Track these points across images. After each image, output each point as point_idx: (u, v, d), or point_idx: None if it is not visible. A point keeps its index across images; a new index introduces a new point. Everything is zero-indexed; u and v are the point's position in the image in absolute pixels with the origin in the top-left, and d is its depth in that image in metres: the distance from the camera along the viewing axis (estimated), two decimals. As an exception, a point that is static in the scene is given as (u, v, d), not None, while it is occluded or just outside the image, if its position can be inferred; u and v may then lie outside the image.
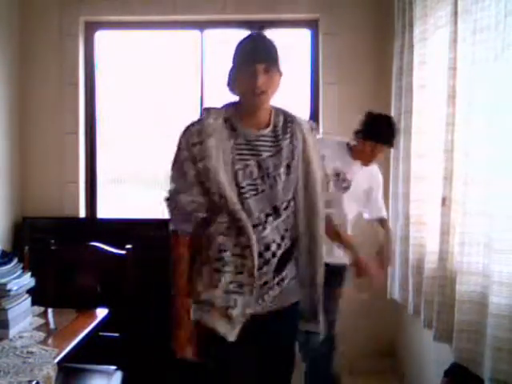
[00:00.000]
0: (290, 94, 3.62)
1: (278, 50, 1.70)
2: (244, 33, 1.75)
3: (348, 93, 3.45)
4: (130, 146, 3.75)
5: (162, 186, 3.68)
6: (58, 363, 1.80)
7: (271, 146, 1.72)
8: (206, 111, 1.80)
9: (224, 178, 1.64)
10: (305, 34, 3.60)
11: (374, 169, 2.76)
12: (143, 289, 2.97)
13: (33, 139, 3.54)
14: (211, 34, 3.61)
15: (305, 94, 3.61)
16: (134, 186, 3.75)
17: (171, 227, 1.76)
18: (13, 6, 3.43)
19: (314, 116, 3.58)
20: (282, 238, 1.72)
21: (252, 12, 3.49)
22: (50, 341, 2.00)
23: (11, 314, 1.99)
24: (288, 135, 1.75)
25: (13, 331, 1.99)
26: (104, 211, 3.69)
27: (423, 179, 2.59)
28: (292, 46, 3.66)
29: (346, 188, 2.68)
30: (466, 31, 2.07)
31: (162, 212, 3.75)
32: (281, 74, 1.70)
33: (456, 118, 2.22)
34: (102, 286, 2.60)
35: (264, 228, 1.68)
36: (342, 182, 2.69)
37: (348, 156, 2.71)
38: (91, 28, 3.61)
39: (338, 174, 2.67)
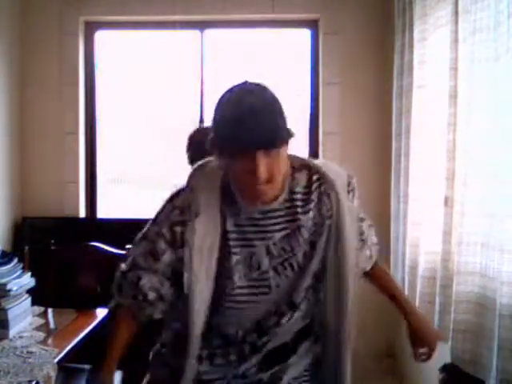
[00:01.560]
0: (290, 94, 3.64)
1: (282, 108, 1.20)
2: (230, 87, 1.24)
3: (348, 93, 3.45)
4: (130, 146, 3.75)
5: (162, 186, 3.71)
6: (58, 363, 1.80)
7: (287, 222, 1.25)
8: (200, 170, 1.31)
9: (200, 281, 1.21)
10: (305, 33, 3.60)
11: None
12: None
13: (33, 139, 3.53)
14: (211, 33, 3.61)
15: (305, 95, 3.61)
16: (134, 186, 3.75)
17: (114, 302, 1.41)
18: (13, 5, 3.43)
19: (314, 116, 3.58)
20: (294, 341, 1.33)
21: (252, 12, 3.49)
22: (49, 341, 2.00)
23: (11, 314, 1.99)
24: (313, 202, 1.26)
25: (13, 331, 2.00)
26: (104, 211, 3.69)
27: (423, 179, 2.59)
28: (292, 46, 3.67)
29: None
30: (467, 31, 2.06)
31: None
32: (289, 141, 1.23)
33: (457, 117, 2.22)
34: (102, 286, 2.60)
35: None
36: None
37: None
38: (91, 28, 3.61)
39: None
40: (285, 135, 1.20)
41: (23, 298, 2.09)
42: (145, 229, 1.42)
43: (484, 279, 1.89)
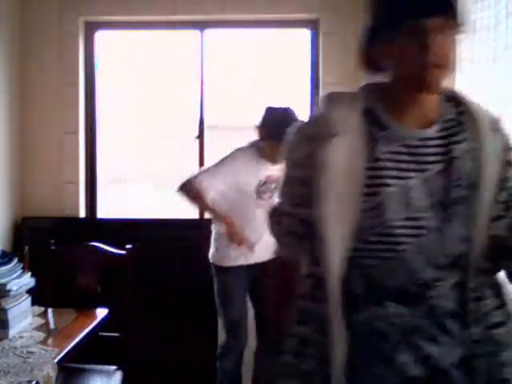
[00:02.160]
0: (290, 94, 3.64)
1: None
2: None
3: (348, 93, 3.44)
4: (130, 146, 3.75)
5: (162, 185, 3.72)
6: (58, 363, 1.80)
7: (441, 155, 1.10)
8: (328, 98, 1.21)
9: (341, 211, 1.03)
10: (305, 33, 3.60)
11: None
12: (143, 289, 2.97)
13: (33, 139, 3.53)
14: (211, 33, 3.61)
15: (305, 95, 3.61)
16: (133, 186, 3.76)
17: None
18: (13, 5, 3.43)
19: (314, 116, 3.58)
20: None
21: (252, 12, 3.49)
22: (49, 341, 2.00)
23: (11, 314, 1.99)
24: (464, 135, 1.11)
25: (13, 331, 2.00)
26: (104, 211, 3.69)
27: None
28: (292, 46, 3.67)
29: (276, 188, 2.63)
30: (466, 31, 2.07)
31: (161, 212, 3.75)
32: (459, 30, 1.09)
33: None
34: (102, 286, 2.60)
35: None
36: (271, 184, 2.70)
37: (262, 159, 2.72)
38: (91, 28, 3.61)
39: (264, 182, 2.71)
40: (455, 9, 1.07)
41: (23, 298, 2.09)
42: (284, 176, 1.20)
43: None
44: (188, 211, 3.63)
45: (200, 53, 3.58)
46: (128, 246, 2.63)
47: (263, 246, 2.65)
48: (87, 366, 2.48)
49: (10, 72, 3.38)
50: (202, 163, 3.61)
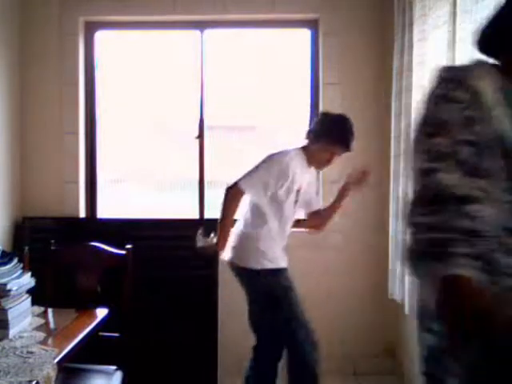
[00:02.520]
0: (290, 94, 3.64)
1: None
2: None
3: (348, 93, 3.45)
4: (130, 146, 3.75)
5: (162, 185, 3.72)
6: (58, 363, 1.80)
7: None
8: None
9: None
10: (305, 33, 3.60)
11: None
12: (143, 289, 2.97)
13: (33, 139, 3.54)
14: (211, 34, 3.61)
15: (305, 95, 3.61)
16: (133, 186, 3.76)
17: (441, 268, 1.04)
18: (13, 6, 3.43)
19: (314, 117, 3.58)
20: None
21: (252, 12, 3.49)
22: (49, 341, 1.99)
23: (11, 314, 1.99)
24: None
25: (13, 331, 2.00)
26: (104, 211, 3.69)
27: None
28: (292, 46, 3.67)
29: (297, 201, 2.68)
30: (465, 31, 2.07)
31: (161, 212, 3.76)
32: None
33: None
34: (102, 286, 2.60)
35: None
36: (300, 192, 2.68)
37: (306, 164, 2.68)
38: (91, 28, 3.61)
39: (298, 190, 2.66)
40: None
41: (23, 298, 2.09)
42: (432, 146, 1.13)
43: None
44: (188, 211, 3.64)
45: (200, 53, 3.58)
46: (128, 246, 2.63)
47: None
48: (87, 366, 2.48)
49: (10, 72, 3.38)
50: (202, 163, 3.61)
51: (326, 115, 2.70)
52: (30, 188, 3.53)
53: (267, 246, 2.60)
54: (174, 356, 3.25)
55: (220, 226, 2.61)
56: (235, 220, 2.68)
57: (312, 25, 3.57)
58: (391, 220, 3.04)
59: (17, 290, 2.03)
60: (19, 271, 2.09)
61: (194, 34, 3.60)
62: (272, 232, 2.62)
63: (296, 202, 2.67)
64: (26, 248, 2.46)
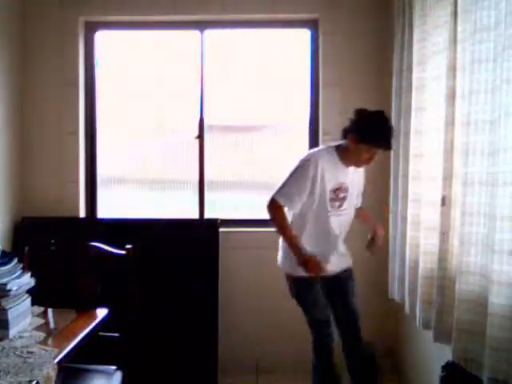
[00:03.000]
0: (290, 94, 3.64)
1: None
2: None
3: (348, 93, 3.45)
4: (130, 146, 3.75)
5: (162, 185, 3.71)
6: (58, 363, 1.80)
7: None
8: None
9: None
10: (305, 33, 3.60)
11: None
12: (143, 289, 2.97)
13: (33, 139, 3.54)
14: (211, 34, 3.61)
15: (305, 95, 3.61)
16: (133, 186, 3.76)
17: None
18: (13, 6, 3.43)
19: (314, 117, 3.58)
20: None
21: (252, 12, 3.49)
22: (49, 341, 2.00)
23: (11, 314, 1.99)
24: None
25: (13, 331, 2.00)
26: (104, 211, 3.69)
27: (422, 179, 2.59)
28: (292, 46, 3.67)
29: (344, 198, 2.61)
30: (466, 31, 2.07)
31: (161, 212, 3.74)
32: None
33: (455, 117, 2.22)
34: (102, 286, 2.60)
35: None
36: (342, 192, 2.60)
37: (341, 163, 2.59)
38: (91, 28, 3.61)
39: (336, 189, 2.58)
40: None
41: (23, 298, 2.09)
42: None
43: (484, 279, 1.90)
44: (188, 211, 3.64)
45: (200, 53, 3.58)
46: (128, 246, 2.63)
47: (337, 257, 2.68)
48: (87, 366, 2.48)
49: (10, 72, 3.38)
50: (202, 163, 3.61)
51: (363, 113, 2.52)
52: (30, 188, 3.53)
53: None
54: (173, 356, 3.25)
55: (285, 240, 2.60)
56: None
57: (312, 25, 3.57)
58: (391, 220, 3.04)
59: (17, 289, 2.03)
60: (19, 271, 2.09)
61: (194, 34, 3.60)
62: (308, 236, 2.60)
63: (334, 200, 2.57)
64: (26, 248, 2.46)
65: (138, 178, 3.74)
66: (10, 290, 1.99)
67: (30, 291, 2.14)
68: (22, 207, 3.50)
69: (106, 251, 2.67)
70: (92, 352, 2.22)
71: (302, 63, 3.61)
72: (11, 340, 1.95)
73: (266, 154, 3.68)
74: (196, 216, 3.61)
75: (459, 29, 2.18)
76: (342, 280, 2.74)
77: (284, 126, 3.69)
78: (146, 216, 3.58)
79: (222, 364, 3.30)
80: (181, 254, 3.31)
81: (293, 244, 2.54)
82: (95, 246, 2.70)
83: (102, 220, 3.62)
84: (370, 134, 2.45)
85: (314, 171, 2.51)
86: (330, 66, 3.48)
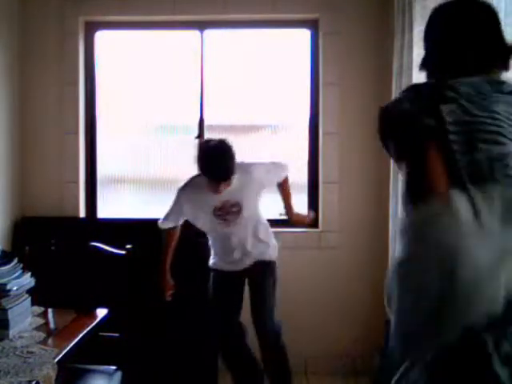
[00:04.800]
0: (290, 94, 3.64)
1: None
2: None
3: (348, 93, 3.45)
4: (130, 146, 3.75)
5: (162, 185, 3.71)
6: (58, 363, 1.80)
7: None
8: None
9: None
10: (305, 33, 3.60)
11: (243, 169, 2.78)
12: (143, 289, 2.97)
13: (33, 139, 3.54)
14: (211, 34, 3.61)
15: (305, 95, 3.61)
16: (134, 186, 3.75)
17: None
18: (13, 5, 3.43)
19: (314, 118, 3.58)
20: None
21: (252, 12, 3.49)
22: (49, 341, 2.00)
23: (11, 314, 1.99)
24: None
25: (13, 331, 1.99)
26: (104, 211, 3.69)
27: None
28: (292, 46, 3.66)
29: (239, 210, 2.79)
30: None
31: (161, 212, 3.75)
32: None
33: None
34: (102, 286, 2.60)
35: None
36: (231, 207, 2.79)
37: (206, 190, 2.75)
38: (91, 28, 3.61)
39: (220, 208, 2.78)
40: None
41: (23, 298, 2.09)
42: None
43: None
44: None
45: (200, 53, 3.58)
46: (128, 246, 2.63)
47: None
48: (87, 366, 2.48)
49: (10, 72, 3.38)
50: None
51: (200, 145, 2.83)
52: (30, 188, 3.53)
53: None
54: (174, 356, 3.25)
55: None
56: None
57: (312, 25, 3.57)
58: (391, 220, 3.04)
59: (17, 290, 2.03)
60: (19, 271, 2.09)
61: (194, 34, 3.60)
62: (212, 246, 3.00)
63: (222, 216, 2.81)
64: (26, 248, 2.46)
65: (138, 177, 3.74)
66: (9, 290, 1.99)
67: (29, 291, 2.14)
68: (21, 207, 3.50)
69: (106, 251, 2.67)
70: (92, 352, 2.22)
71: (301, 63, 3.61)
72: (11, 340, 1.95)
73: (266, 154, 3.67)
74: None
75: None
76: (253, 277, 2.91)
77: (284, 126, 3.69)
78: (145, 216, 3.57)
79: (221, 364, 3.29)
80: (181, 254, 3.31)
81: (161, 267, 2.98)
82: (95, 246, 2.70)
83: (102, 220, 3.62)
84: (200, 167, 2.68)
85: (180, 202, 2.87)
86: (330, 66, 3.48)
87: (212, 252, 3.00)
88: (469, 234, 1.07)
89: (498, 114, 1.17)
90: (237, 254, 2.88)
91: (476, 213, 1.08)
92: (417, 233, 1.16)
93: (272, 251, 2.93)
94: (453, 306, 1.07)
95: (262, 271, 2.90)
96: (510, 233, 1.08)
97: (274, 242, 2.96)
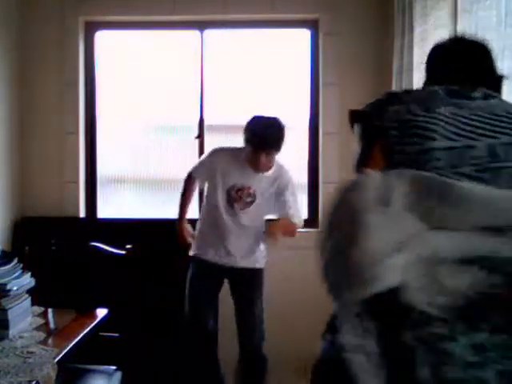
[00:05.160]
0: (290, 94, 3.64)
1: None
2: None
3: (348, 93, 3.44)
4: (131, 146, 3.75)
5: (162, 185, 3.71)
6: (58, 363, 1.80)
7: None
8: None
9: None
10: (305, 34, 3.60)
11: (281, 171, 2.80)
12: (143, 289, 2.97)
13: (33, 139, 3.54)
14: (211, 34, 3.61)
15: (305, 95, 3.61)
16: (134, 186, 3.75)
17: None
18: (13, 6, 3.43)
19: (314, 118, 3.58)
20: None
21: (252, 12, 3.49)
22: (50, 341, 1.99)
23: (11, 314, 1.99)
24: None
25: (13, 331, 1.99)
26: (104, 211, 3.69)
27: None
28: (292, 46, 3.66)
29: (252, 202, 2.75)
30: (466, 31, 2.06)
31: (161, 212, 3.74)
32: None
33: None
34: (102, 286, 2.60)
35: None
36: (246, 196, 2.75)
37: (246, 166, 2.73)
38: (91, 28, 3.61)
39: (239, 190, 2.74)
40: None
41: (23, 298, 2.09)
42: None
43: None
44: (188, 211, 3.63)
45: (200, 53, 3.58)
46: (128, 246, 2.63)
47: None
48: (87, 366, 2.48)
49: (10, 72, 3.38)
50: (201, 163, 3.61)
51: (253, 117, 2.76)
52: (30, 188, 3.53)
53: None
54: (174, 356, 3.25)
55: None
56: None
57: (312, 25, 3.57)
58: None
59: (17, 290, 2.03)
60: (19, 271, 2.09)
61: (194, 33, 3.60)
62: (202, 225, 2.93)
63: (234, 201, 2.76)
64: (26, 248, 2.46)
65: (138, 177, 3.74)
66: (9, 290, 1.99)
67: (29, 291, 2.14)
68: (21, 207, 3.50)
69: (106, 251, 2.67)
70: (92, 352, 2.22)
71: (301, 63, 3.61)
72: (11, 340, 1.95)
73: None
74: (196, 216, 3.60)
75: (459, 29, 2.18)
76: (241, 285, 2.89)
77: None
78: (145, 216, 3.57)
79: (221, 364, 3.29)
80: (180, 254, 3.31)
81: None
82: (95, 246, 2.70)
83: (102, 220, 3.62)
84: (249, 134, 2.67)
85: (213, 159, 2.81)
86: (330, 66, 3.48)
87: (198, 236, 2.90)
88: (372, 211, 1.13)
89: (441, 114, 1.26)
90: (228, 244, 2.80)
91: (386, 194, 1.15)
92: (335, 200, 1.27)
93: (261, 259, 2.89)
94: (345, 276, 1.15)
95: (251, 280, 2.85)
96: (416, 219, 1.13)
97: (263, 248, 2.90)
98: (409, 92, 1.39)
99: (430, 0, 2.54)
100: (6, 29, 3.36)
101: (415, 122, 1.26)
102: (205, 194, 2.92)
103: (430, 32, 2.55)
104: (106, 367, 2.49)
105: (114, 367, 2.49)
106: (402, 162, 1.24)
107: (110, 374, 2.45)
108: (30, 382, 1.63)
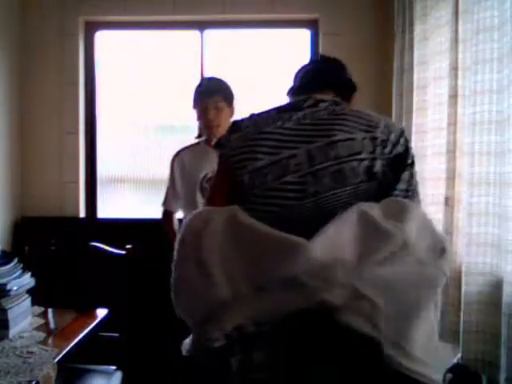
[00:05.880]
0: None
1: None
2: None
3: (348, 93, 3.44)
4: (131, 146, 3.75)
5: (162, 185, 3.71)
6: (58, 363, 1.80)
7: None
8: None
9: None
10: (305, 33, 3.60)
11: None
12: (143, 289, 2.97)
13: (33, 139, 3.53)
14: (211, 34, 3.60)
15: (305, 94, 3.60)
16: (134, 186, 3.75)
17: None
18: (13, 6, 3.43)
19: (314, 116, 3.57)
20: None
21: (252, 12, 3.49)
22: (49, 341, 1.99)
23: (11, 314, 1.99)
24: None
25: (13, 331, 1.99)
26: (104, 211, 3.68)
27: (425, 179, 2.59)
28: (292, 46, 3.66)
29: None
30: (467, 31, 2.06)
31: (161, 212, 3.74)
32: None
33: (458, 118, 2.22)
34: (102, 286, 2.60)
35: None
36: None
37: (211, 150, 2.43)
38: (91, 28, 3.61)
39: (211, 178, 2.57)
40: None
41: (23, 298, 2.09)
42: None
43: (495, 280, 1.89)
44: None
45: (200, 53, 3.58)
46: (128, 246, 2.63)
47: None
48: (87, 366, 2.48)
49: (10, 72, 3.38)
50: (202, 163, 3.60)
51: None
52: (30, 188, 3.52)
53: None
54: (174, 356, 3.25)
55: None
56: None
57: (312, 25, 3.57)
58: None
59: (17, 290, 2.03)
60: (19, 271, 2.09)
61: (194, 34, 3.60)
62: None
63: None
64: (26, 248, 2.46)
65: (138, 177, 3.74)
66: (10, 290, 1.98)
67: (29, 291, 2.14)
68: (21, 207, 3.50)
69: (106, 251, 2.67)
70: (92, 352, 2.22)
71: (302, 63, 3.60)
72: (11, 340, 1.95)
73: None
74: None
75: (460, 29, 2.18)
76: None
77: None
78: (145, 216, 3.57)
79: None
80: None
81: None
82: (95, 246, 2.70)
83: (102, 220, 3.61)
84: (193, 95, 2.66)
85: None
86: (330, 66, 3.47)
87: None
88: (211, 241, 1.27)
89: (266, 133, 1.39)
90: None
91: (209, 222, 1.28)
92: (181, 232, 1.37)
93: None
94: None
95: None
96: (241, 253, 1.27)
97: None
98: (250, 117, 1.49)
99: (430, 0, 2.54)
100: (6, 29, 3.36)
101: (245, 148, 1.38)
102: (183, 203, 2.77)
103: (430, 32, 2.55)
104: (105, 367, 2.49)
105: (114, 367, 2.49)
106: (240, 183, 1.35)
107: (109, 374, 2.45)
108: (30, 381, 1.63)
